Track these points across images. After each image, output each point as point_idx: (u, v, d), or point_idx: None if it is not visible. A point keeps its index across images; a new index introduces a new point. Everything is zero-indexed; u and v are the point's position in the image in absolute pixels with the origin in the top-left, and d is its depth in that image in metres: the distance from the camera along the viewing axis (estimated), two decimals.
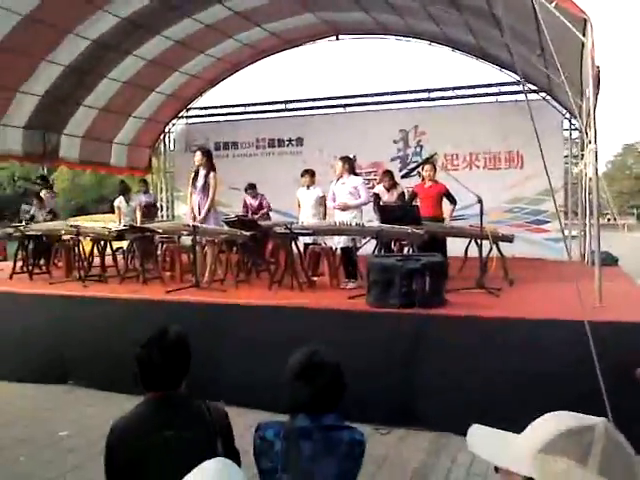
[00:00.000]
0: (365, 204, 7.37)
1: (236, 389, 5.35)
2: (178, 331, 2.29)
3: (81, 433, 4.86)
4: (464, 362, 4.78)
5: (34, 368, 6.36)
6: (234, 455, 2.31)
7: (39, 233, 8.54)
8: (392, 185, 8.66)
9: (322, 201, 8.02)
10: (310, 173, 8.24)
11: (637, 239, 20.68)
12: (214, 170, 7.40)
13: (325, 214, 8.11)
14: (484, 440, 1.19)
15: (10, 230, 8.69)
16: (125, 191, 10.17)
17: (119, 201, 9.95)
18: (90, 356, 6.16)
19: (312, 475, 2.02)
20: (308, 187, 8.17)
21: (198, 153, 7.53)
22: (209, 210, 7.33)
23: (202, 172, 7.41)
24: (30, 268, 8.29)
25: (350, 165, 7.36)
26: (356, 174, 7.52)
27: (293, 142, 12.89)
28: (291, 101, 13.58)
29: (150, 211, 10.55)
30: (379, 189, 8.77)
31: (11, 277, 8.04)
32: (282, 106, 13.61)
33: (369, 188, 8.69)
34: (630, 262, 10.01)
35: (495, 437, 1.20)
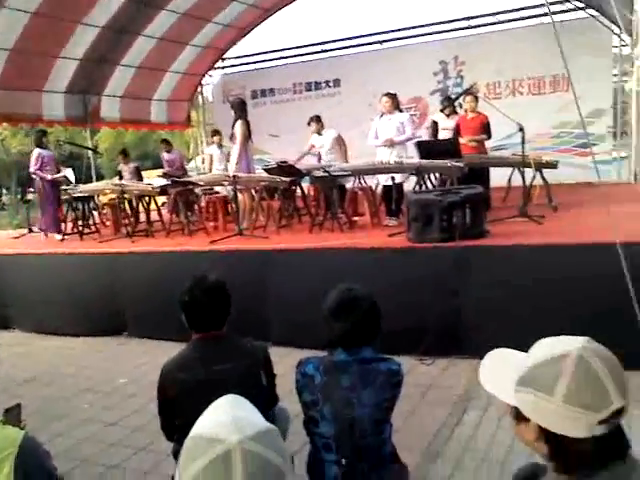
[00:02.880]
0: (411, 139, 7.23)
1: (283, 331, 5.51)
2: (216, 277, 2.42)
3: (137, 380, 5.10)
4: (505, 291, 4.73)
5: (93, 323, 6.66)
6: (273, 384, 2.51)
7: (87, 194, 8.77)
8: (452, 111, 8.35)
9: (339, 141, 8.05)
10: (316, 119, 8.28)
11: None
12: (241, 118, 7.48)
13: (346, 153, 8.11)
14: (490, 367, 1.24)
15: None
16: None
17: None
18: (141, 309, 6.39)
19: (352, 405, 2.11)
20: (319, 133, 8.16)
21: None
22: (238, 158, 7.46)
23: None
24: (80, 229, 8.54)
25: (397, 101, 7.27)
26: (401, 110, 7.41)
27: (330, 84, 12.68)
28: (325, 42, 13.29)
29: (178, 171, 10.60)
30: (438, 116, 8.51)
31: (62, 239, 8.32)
32: (317, 48, 13.34)
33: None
34: None
35: (498, 364, 1.21)
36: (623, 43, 10.46)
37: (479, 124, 7.57)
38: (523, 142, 6.38)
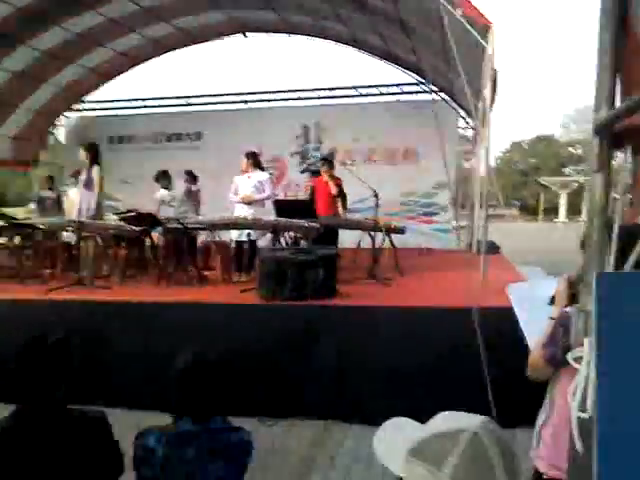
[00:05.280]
0: (269, 199, 7.31)
1: (125, 390, 5.08)
2: (58, 337, 2.08)
3: None
4: (354, 351, 4.76)
5: None
6: (116, 458, 2.15)
7: None
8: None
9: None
10: (163, 175, 8.36)
11: (519, 228, 21.89)
12: (97, 164, 7.13)
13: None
14: (384, 435, 1.17)
15: None
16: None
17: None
18: None
19: None
20: (168, 188, 8.27)
21: (81, 150, 7.26)
22: (98, 205, 7.06)
23: (86, 167, 7.15)
24: None
25: (255, 160, 7.34)
26: (262, 169, 7.49)
27: (191, 136, 12.58)
28: (190, 96, 13.27)
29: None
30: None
31: None
32: (181, 101, 13.26)
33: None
34: (513, 249, 10.47)
35: (393, 432, 1.16)
36: (468, 125, 11.44)
37: (333, 186, 7.68)
38: (377, 207, 6.64)
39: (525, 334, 2.87)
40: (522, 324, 3.20)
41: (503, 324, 4.31)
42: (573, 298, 2.08)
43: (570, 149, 54.42)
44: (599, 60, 1.21)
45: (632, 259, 1.21)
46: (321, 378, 4.81)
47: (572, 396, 1.18)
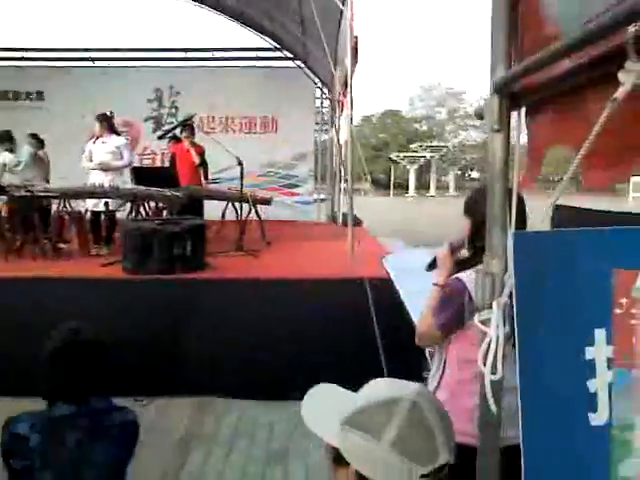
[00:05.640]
0: (128, 165, 6.98)
1: None
2: None
3: None
4: (226, 325, 4.73)
5: None
6: None
7: None
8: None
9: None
10: (7, 136, 7.51)
11: (374, 202, 22.96)
12: None
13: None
14: (313, 403, 1.14)
15: None
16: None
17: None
18: None
19: (79, 468, 1.81)
20: (12, 150, 7.49)
21: None
22: None
23: None
24: None
25: (109, 123, 6.92)
26: (118, 133, 7.11)
27: (32, 96, 11.51)
28: (28, 49, 12.07)
29: None
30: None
31: None
32: (16, 54, 12.03)
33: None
34: (370, 223, 10.91)
35: (324, 400, 1.14)
36: (325, 96, 11.61)
37: (195, 155, 7.51)
38: (242, 177, 6.58)
39: (407, 303, 2.98)
40: (403, 294, 3.33)
41: (381, 294, 4.55)
42: (456, 264, 2.07)
43: (416, 125, 57.51)
44: (494, 20, 1.21)
45: (546, 222, 1.21)
46: (194, 354, 4.73)
47: (482, 359, 1.19)
